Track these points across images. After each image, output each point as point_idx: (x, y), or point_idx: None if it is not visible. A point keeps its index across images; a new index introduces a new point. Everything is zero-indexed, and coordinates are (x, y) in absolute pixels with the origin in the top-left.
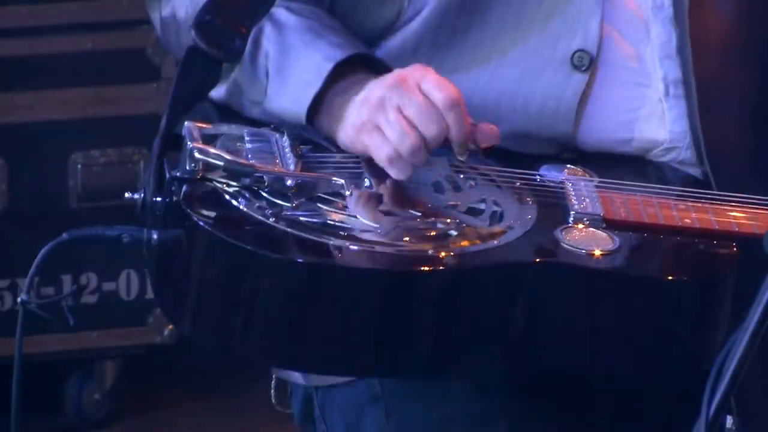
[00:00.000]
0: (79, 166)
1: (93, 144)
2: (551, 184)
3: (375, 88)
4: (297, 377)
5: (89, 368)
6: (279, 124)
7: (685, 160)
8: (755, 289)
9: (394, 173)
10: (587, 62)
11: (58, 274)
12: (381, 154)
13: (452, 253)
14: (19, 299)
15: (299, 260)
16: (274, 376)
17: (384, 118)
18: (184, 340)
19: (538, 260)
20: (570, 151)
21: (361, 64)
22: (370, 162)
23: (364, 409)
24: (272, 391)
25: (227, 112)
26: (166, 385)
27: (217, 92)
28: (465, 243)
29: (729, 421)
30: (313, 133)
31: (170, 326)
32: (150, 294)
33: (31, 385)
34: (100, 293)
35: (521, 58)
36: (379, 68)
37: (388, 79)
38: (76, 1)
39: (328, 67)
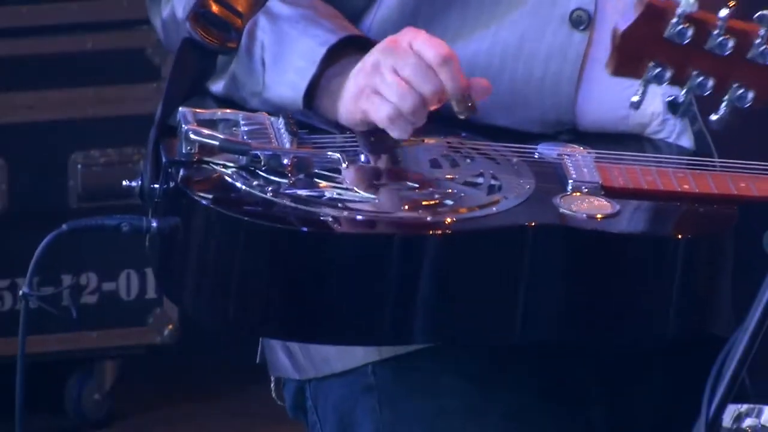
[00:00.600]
0: (79, 166)
1: (93, 144)
2: (548, 158)
3: (368, 56)
4: (290, 372)
5: (89, 368)
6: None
7: (681, 134)
8: (756, 251)
9: (395, 133)
10: (586, 20)
11: (58, 274)
12: (381, 115)
13: (452, 219)
14: (20, 292)
15: (304, 229)
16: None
17: (380, 79)
18: (184, 340)
19: (535, 223)
20: (568, 132)
21: (354, 46)
22: (366, 139)
23: (357, 400)
24: (272, 385)
25: (228, 106)
26: (166, 385)
27: (216, 86)
28: (463, 210)
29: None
30: (312, 117)
31: (170, 326)
32: (150, 294)
33: (31, 385)
34: (100, 293)
35: (521, 19)
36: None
37: (380, 45)
38: (76, 1)
39: (322, 51)
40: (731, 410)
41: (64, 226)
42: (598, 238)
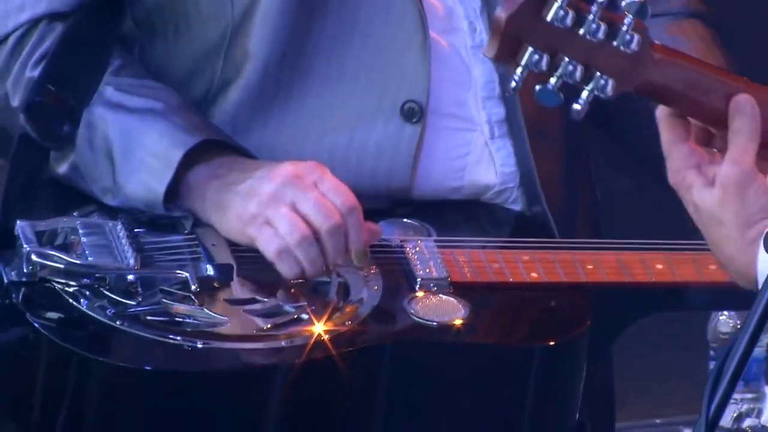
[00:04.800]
0: None
1: None
2: (391, 247)
3: (265, 183)
4: None
5: None
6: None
7: (517, 199)
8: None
9: (282, 269)
10: (418, 112)
11: None
12: (270, 248)
13: (305, 343)
14: None
15: (144, 367)
16: None
17: (275, 212)
18: None
19: (391, 342)
20: (404, 205)
21: (213, 145)
22: (211, 245)
23: None
24: None
25: (72, 190)
26: None
27: (61, 168)
28: (314, 329)
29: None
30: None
31: None
32: None
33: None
34: None
35: (350, 111)
36: (235, 147)
37: (281, 174)
38: None
39: (179, 154)
40: (731, 410)
41: None
42: (453, 348)
